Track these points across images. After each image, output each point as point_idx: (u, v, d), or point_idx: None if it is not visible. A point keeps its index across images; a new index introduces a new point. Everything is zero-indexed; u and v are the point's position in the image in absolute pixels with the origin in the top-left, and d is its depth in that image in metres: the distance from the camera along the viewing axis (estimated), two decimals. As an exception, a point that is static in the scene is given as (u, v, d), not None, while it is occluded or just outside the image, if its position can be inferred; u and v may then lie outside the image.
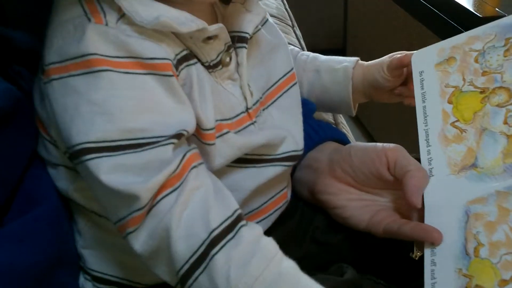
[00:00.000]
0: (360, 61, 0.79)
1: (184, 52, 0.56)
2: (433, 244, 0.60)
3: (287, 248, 0.54)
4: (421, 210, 0.63)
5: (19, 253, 0.53)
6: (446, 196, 0.62)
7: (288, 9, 1.62)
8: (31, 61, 0.61)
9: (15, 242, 0.53)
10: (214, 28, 0.57)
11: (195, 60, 0.58)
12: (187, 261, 0.51)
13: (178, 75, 0.55)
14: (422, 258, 0.61)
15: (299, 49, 0.83)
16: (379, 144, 0.67)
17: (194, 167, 0.54)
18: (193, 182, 0.53)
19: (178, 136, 0.53)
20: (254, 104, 0.63)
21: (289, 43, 1.28)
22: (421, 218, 0.63)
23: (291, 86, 0.68)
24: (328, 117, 1.17)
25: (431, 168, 0.65)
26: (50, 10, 0.57)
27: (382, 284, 0.66)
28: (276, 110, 0.66)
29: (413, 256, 0.62)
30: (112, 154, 0.51)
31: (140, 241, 0.52)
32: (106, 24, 0.53)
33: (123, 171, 0.51)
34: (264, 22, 0.67)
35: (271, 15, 1.47)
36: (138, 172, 0.51)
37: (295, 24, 1.57)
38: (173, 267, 0.52)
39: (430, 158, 0.65)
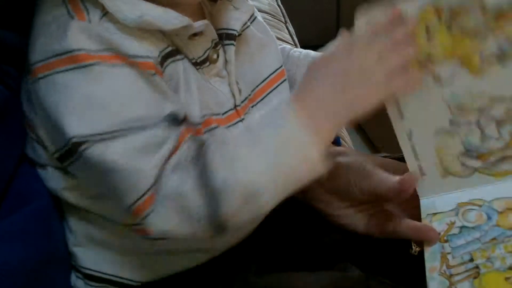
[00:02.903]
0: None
1: (169, 49, 0.56)
2: (430, 243, 0.60)
3: (289, 248, 0.54)
4: (416, 208, 0.63)
5: (9, 252, 0.53)
6: (440, 194, 0.62)
7: (281, 5, 1.62)
8: (19, 60, 0.60)
9: (5, 241, 0.53)
10: (199, 25, 0.57)
11: (182, 56, 0.58)
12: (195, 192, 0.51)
13: (163, 72, 0.55)
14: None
15: (291, 47, 0.83)
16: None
17: (189, 138, 0.55)
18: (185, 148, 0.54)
19: (171, 117, 0.54)
20: (242, 102, 0.63)
21: (282, 40, 1.29)
22: (416, 217, 0.63)
23: (281, 83, 0.68)
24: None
25: (420, 165, 0.62)
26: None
27: (388, 283, 0.65)
28: (266, 107, 0.65)
29: (413, 252, 0.61)
30: (110, 142, 0.51)
31: (159, 217, 0.52)
32: (89, 22, 0.53)
33: (126, 153, 0.51)
34: (253, 19, 0.67)
35: (263, 11, 1.46)
36: (140, 151, 0.52)
37: (288, 20, 1.56)
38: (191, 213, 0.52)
39: (417, 154, 0.62)
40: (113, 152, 0.51)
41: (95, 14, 0.53)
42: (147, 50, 0.54)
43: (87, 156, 0.52)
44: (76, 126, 0.52)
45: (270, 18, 1.46)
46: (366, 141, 2.11)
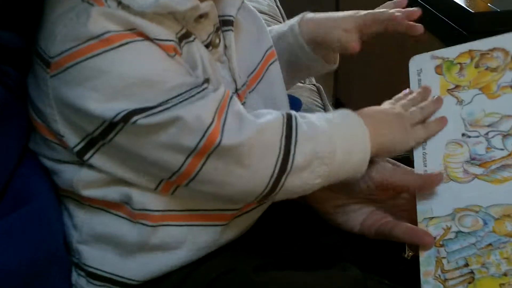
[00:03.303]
0: (310, 15, 0.78)
1: (184, 30, 0.58)
2: (425, 247, 0.60)
3: (288, 247, 0.54)
4: (413, 211, 0.63)
5: (6, 252, 0.53)
6: (438, 199, 0.63)
7: (279, 6, 1.62)
8: (19, 60, 0.61)
9: (2, 241, 0.53)
10: (205, 5, 0.58)
11: (193, 37, 0.59)
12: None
13: (181, 53, 0.57)
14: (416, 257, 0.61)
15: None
16: None
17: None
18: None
19: (207, 82, 0.57)
20: (242, 86, 0.64)
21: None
22: (412, 220, 0.63)
23: (271, 63, 0.70)
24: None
25: (426, 170, 0.65)
26: (37, 9, 0.58)
27: (386, 283, 0.66)
28: (262, 89, 0.68)
29: (406, 256, 0.62)
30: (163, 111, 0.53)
31: (234, 136, 0.54)
32: (109, 7, 0.54)
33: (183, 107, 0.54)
34: (241, 4, 0.68)
35: (262, 12, 1.46)
36: (197, 99, 0.54)
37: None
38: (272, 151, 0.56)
39: (425, 160, 0.66)
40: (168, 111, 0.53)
41: (112, 2, 0.54)
42: (167, 33, 0.56)
43: (137, 123, 0.53)
44: (126, 103, 0.53)
45: (269, 19, 1.46)
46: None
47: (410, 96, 0.69)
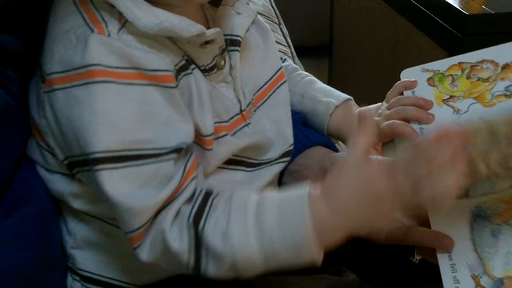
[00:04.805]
0: (351, 103, 0.77)
1: (183, 62, 0.57)
2: (447, 251, 0.59)
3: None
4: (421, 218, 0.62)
5: (3, 256, 0.53)
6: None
7: (274, 6, 1.62)
8: (20, 65, 0.61)
9: (0, 245, 0.53)
10: (211, 33, 0.57)
11: (193, 66, 0.58)
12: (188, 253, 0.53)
13: (177, 85, 0.55)
14: (423, 262, 0.61)
15: (295, 66, 0.83)
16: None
17: (194, 178, 0.55)
18: (188, 192, 0.54)
19: (178, 150, 0.54)
20: (247, 106, 0.64)
21: (275, 41, 1.29)
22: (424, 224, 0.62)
23: (280, 85, 0.68)
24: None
25: None
26: (38, 14, 0.57)
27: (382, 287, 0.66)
28: (267, 110, 0.66)
29: (414, 260, 0.61)
30: (117, 165, 0.52)
31: (145, 253, 0.54)
32: (109, 35, 0.53)
33: (128, 185, 0.52)
34: (253, 22, 0.67)
35: (258, 13, 1.46)
36: (142, 187, 0.52)
37: (282, 22, 1.56)
38: (180, 263, 0.53)
39: None
40: (118, 182, 0.52)
41: (113, 26, 0.53)
42: (166, 63, 0.54)
43: (97, 176, 0.52)
44: (89, 141, 0.51)
45: (264, 19, 1.46)
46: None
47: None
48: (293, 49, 1.45)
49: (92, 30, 0.53)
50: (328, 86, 0.79)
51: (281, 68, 0.69)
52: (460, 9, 1.35)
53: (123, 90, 0.52)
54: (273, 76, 0.68)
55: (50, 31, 0.56)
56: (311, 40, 2.47)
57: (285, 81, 0.69)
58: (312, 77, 0.80)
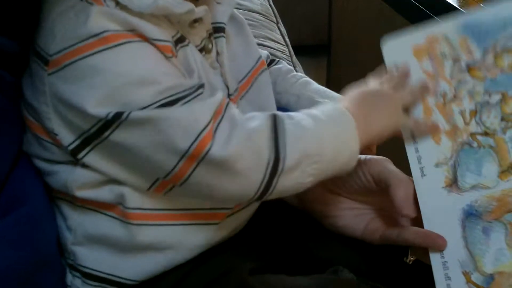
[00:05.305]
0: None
1: (179, 34, 0.59)
2: (439, 250, 0.60)
3: (282, 250, 0.54)
4: (414, 220, 0.63)
5: (0, 256, 0.52)
6: (442, 200, 0.62)
7: (272, 5, 1.61)
8: (13, 65, 0.61)
9: (-3, 245, 0.53)
10: (200, 10, 0.59)
11: (188, 41, 0.60)
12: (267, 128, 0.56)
13: (176, 56, 0.58)
14: (417, 262, 0.61)
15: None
16: (361, 157, 0.65)
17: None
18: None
19: (203, 85, 0.57)
20: (234, 92, 0.65)
21: (273, 40, 1.28)
22: (417, 223, 0.63)
23: (261, 72, 0.70)
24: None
25: (422, 167, 0.64)
26: (31, 14, 0.58)
27: (379, 287, 0.66)
28: (251, 97, 0.68)
29: (407, 261, 0.61)
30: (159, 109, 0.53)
31: (223, 145, 0.54)
32: (108, 7, 0.54)
33: (180, 107, 0.54)
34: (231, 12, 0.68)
35: (255, 11, 1.46)
36: (194, 103, 0.55)
37: (279, 21, 1.56)
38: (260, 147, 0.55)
39: (419, 156, 0.64)
40: (164, 108, 0.53)
41: (110, 2, 0.55)
42: (164, 34, 0.56)
43: (132, 119, 0.53)
44: (123, 103, 0.53)
45: (262, 18, 1.46)
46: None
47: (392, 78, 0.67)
48: (291, 48, 1.45)
49: (91, 4, 0.54)
50: (324, 87, 0.79)
51: (260, 57, 0.71)
52: (459, 8, 1.35)
53: (139, 47, 0.54)
54: (254, 66, 0.70)
55: (46, 16, 0.56)
56: (309, 39, 2.47)
57: (265, 69, 0.71)
58: (307, 78, 0.81)
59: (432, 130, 0.64)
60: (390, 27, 1.85)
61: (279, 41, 1.41)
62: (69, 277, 0.62)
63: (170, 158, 0.54)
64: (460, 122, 0.63)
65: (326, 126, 0.59)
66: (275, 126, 0.56)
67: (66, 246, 0.62)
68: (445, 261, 0.59)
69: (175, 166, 0.55)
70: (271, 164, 0.55)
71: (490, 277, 0.57)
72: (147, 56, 0.55)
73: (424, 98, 0.65)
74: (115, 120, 0.53)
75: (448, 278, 0.58)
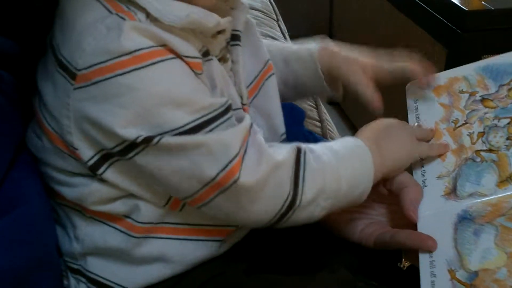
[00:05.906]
0: (326, 48, 0.77)
1: (204, 48, 0.58)
2: (429, 251, 0.60)
3: (279, 249, 0.54)
4: (411, 226, 0.63)
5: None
6: (439, 206, 0.63)
7: (273, 2, 1.61)
8: (13, 66, 0.61)
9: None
10: (225, 21, 0.58)
11: (211, 54, 0.59)
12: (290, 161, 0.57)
13: (202, 72, 0.56)
14: (411, 268, 0.61)
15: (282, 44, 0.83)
16: None
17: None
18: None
19: (230, 106, 0.56)
20: (247, 100, 0.64)
21: (273, 38, 1.28)
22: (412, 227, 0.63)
23: (269, 77, 0.69)
24: (313, 114, 1.17)
25: (424, 180, 0.66)
26: (32, 15, 0.58)
27: (375, 285, 0.65)
28: (258, 103, 0.68)
29: (401, 266, 0.62)
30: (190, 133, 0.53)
31: (252, 173, 0.54)
32: (139, 21, 0.53)
33: (211, 133, 0.53)
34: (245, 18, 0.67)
35: (256, 9, 1.46)
36: (224, 129, 0.54)
37: (280, 18, 1.55)
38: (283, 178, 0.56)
39: (424, 170, 0.67)
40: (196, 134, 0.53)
41: (141, 15, 0.54)
42: (193, 50, 0.55)
43: (162, 144, 0.52)
44: (156, 125, 0.52)
45: (262, 15, 1.45)
46: (344, 119, 2.13)
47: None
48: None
49: (123, 18, 0.53)
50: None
51: (268, 60, 0.70)
52: (460, 5, 1.35)
53: (173, 65, 0.53)
54: (262, 69, 0.69)
55: (72, 24, 0.54)
56: (310, 37, 2.46)
57: (272, 74, 0.70)
58: (276, 42, 0.82)
59: (442, 151, 0.67)
60: (391, 25, 1.85)
61: (279, 39, 1.41)
62: (72, 281, 0.62)
63: (194, 184, 0.54)
64: (467, 142, 0.66)
65: (346, 164, 0.60)
66: (298, 160, 0.57)
67: (74, 254, 0.61)
68: (432, 260, 0.60)
69: (196, 192, 0.54)
70: (289, 199, 0.56)
71: (474, 274, 0.58)
72: (180, 75, 0.54)
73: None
74: (142, 143, 0.52)
75: (433, 275, 0.59)
